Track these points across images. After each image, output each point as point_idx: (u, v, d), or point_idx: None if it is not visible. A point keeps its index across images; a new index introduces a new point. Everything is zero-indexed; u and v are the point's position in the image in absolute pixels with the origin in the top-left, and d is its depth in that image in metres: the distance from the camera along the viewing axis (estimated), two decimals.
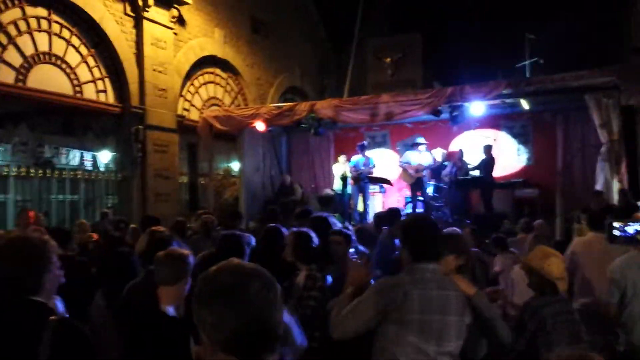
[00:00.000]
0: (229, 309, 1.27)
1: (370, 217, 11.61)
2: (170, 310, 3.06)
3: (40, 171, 10.33)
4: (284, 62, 16.78)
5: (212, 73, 14.31)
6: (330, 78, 18.58)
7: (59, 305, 3.24)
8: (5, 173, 10.00)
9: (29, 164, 10.42)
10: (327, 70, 18.81)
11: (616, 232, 1.87)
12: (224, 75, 14.71)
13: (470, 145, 11.87)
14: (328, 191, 12.70)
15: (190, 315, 3.09)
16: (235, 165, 14.37)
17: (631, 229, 1.50)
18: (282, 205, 11.06)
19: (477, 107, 9.96)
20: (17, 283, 2.05)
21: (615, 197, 8.34)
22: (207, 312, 1.30)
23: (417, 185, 11.22)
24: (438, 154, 11.77)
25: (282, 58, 16.63)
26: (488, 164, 10.59)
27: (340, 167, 12.32)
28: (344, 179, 12.08)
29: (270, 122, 11.34)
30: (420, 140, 11.47)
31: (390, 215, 6.68)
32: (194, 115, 13.34)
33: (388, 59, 17.31)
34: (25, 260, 2.08)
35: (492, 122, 12.02)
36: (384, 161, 12.69)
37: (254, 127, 11.41)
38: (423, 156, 11.27)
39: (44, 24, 10.12)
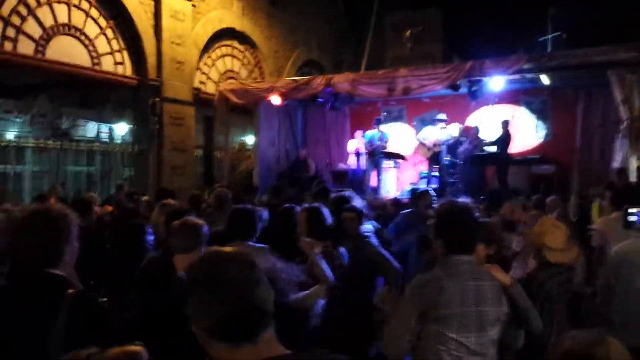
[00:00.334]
0: (213, 297, 1.31)
1: (384, 192, 11.66)
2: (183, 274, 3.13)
3: (57, 143, 10.46)
4: (302, 36, 16.64)
5: (229, 46, 14.26)
6: (348, 52, 18.38)
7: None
8: (23, 144, 10.15)
9: (47, 135, 10.56)
10: (344, 44, 18.60)
11: (632, 218, 1.83)
12: (242, 48, 14.65)
13: (488, 121, 11.73)
14: (342, 166, 12.68)
15: None
16: (250, 139, 14.39)
17: None
18: (295, 180, 11.08)
19: (496, 82, 9.81)
20: (37, 255, 2.05)
21: (635, 175, 8.20)
22: (194, 302, 1.33)
23: (433, 159, 11.18)
24: (455, 129, 11.65)
25: (299, 31, 16.50)
26: (505, 140, 10.47)
27: (356, 143, 12.28)
28: (358, 154, 12.08)
29: (286, 96, 11.29)
30: (442, 116, 11.38)
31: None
32: (210, 88, 13.34)
33: (407, 33, 17.07)
34: (46, 232, 2.08)
35: (511, 97, 11.84)
36: (400, 136, 12.60)
37: (270, 100, 11.38)
38: (441, 132, 11.19)
39: None
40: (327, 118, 13.59)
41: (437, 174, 11.29)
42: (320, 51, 17.57)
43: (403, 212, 6.49)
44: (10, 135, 10.26)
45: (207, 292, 1.32)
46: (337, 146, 13.53)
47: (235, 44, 14.44)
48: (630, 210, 1.68)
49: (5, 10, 9.26)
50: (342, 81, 10.77)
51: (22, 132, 10.39)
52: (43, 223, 2.09)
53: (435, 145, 11.06)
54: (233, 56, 14.47)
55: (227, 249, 1.44)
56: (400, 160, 12.01)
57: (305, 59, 17.00)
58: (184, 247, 3.21)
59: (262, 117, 12.34)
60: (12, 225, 2.24)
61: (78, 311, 1.94)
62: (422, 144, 11.32)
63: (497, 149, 10.53)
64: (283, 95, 11.23)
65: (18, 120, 10.50)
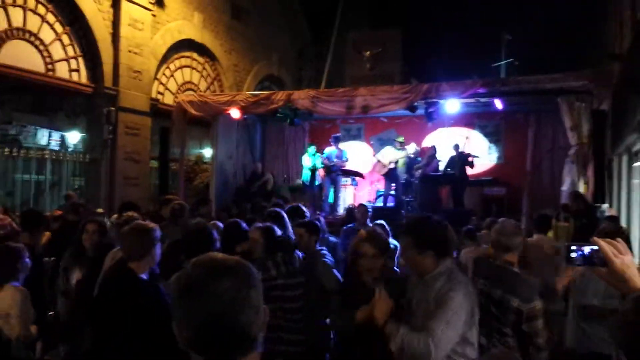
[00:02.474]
0: (196, 305, 1.23)
1: (341, 209, 11.73)
2: (144, 276, 3.17)
3: (6, 149, 10.08)
4: (263, 50, 16.67)
5: (188, 57, 14.14)
6: (309, 69, 18.53)
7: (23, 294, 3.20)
8: None
9: None
10: (305, 60, 18.75)
11: (573, 254, 1.93)
12: (201, 60, 14.54)
13: (443, 142, 11.99)
14: (299, 181, 12.70)
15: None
16: (207, 152, 14.24)
17: (587, 249, 1.56)
18: (252, 195, 11.03)
19: (452, 105, 10.06)
20: None
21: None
22: (177, 306, 1.26)
23: (390, 176, 11.35)
24: (411, 148, 11.86)
25: (260, 46, 16.51)
26: (462, 161, 10.71)
27: (309, 158, 12.34)
28: (312, 170, 12.13)
29: (246, 110, 11.26)
30: (400, 138, 11.62)
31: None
32: (168, 99, 13.17)
33: (367, 53, 17.32)
34: None
35: (466, 120, 12.17)
36: (358, 154, 12.74)
37: (229, 114, 11.32)
38: (399, 152, 11.41)
39: None
40: (286, 133, 13.63)
41: (393, 192, 11.44)
42: (281, 66, 17.63)
43: (344, 228, 6.71)
44: None
45: (191, 299, 1.24)
46: (295, 162, 13.56)
47: (195, 55, 14.33)
48: (572, 247, 1.78)
49: None
50: (302, 97, 10.82)
51: None
52: None
53: (391, 162, 11.29)
54: (192, 68, 14.34)
55: (228, 257, 1.34)
56: (358, 178, 12.11)
57: (266, 73, 17.03)
58: (137, 254, 3.15)
59: (221, 131, 12.25)
60: None
61: None
62: (379, 161, 11.51)
63: (455, 169, 10.76)
64: (243, 109, 11.20)
65: None
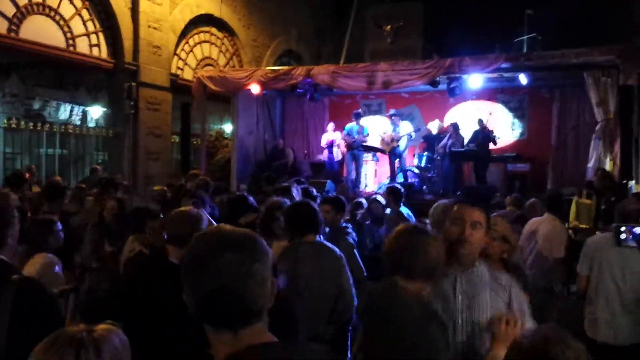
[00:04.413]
0: (199, 278, 1.25)
1: (363, 185, 11.72)
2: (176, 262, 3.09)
3: (30, 124, 10.18)
4: (282, 25, 16.51)
5: (207, 32, 14.07)
6: (328, 44, 18.33)
7: (57, 269, 3.22)
8: None
9: (19, 115, 10.27)
10: (324, 35, 18.54)
11: (623, 236, 1.89)
12: (220, 35, 14.46)
13: (466, 118, 11.84)
14: (320, 157, 12.68)
15: None
16: (227, 127, 14.25)
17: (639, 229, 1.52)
18: (274, 170, 11.03)
19: (475, 80, 9.95)
20: None
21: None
22: (184, 279, 1.28)
23: (392, 155, 11.30)
24: (434, 125, 11.74)
25: (279, 21, 16.36)
26: (485, 137, 10.58)
27: (329, 135, 12.30)
28: (330, 147, 12.11)
29: (265, 85, 11.20)
30: (392, 111, 11.54)
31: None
32: (187, 74, 13.15)
33: (388, 27, 17.08)
34: None
35: (489, 95, 11.99)
36: (378, 130, 12.64)
37: (249, 89, 11.28)
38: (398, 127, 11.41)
39: None
40: (306, 109, 13.56)
41: (413, 168, 11.42)
42: (300, 41, 17.47)
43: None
44: None
45: (192, 272, 1.26)
46: (315, 137, 13.50)
47: (214, 30, 14.25)
48: (622, 229, 1.74)
49: None
50: (322, 73, 10.74)
51: None
52: None
53: (393, 140, 11.22)
54: (211, 43, 14.27)
55: (235, 229, 1.35)
56: (378, 154, 12.05)
57: (285, 48, 16.89)
58: (177, 237, 3.11)
59: (241, 106, 12.22)
60: None
61: (23, 297, 1.84)
62: (382, 140, 11.44)
63: (477, 145, 10.64)
64: (262, 85, 11.14)
65: None
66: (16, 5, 9.52)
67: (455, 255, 2.37)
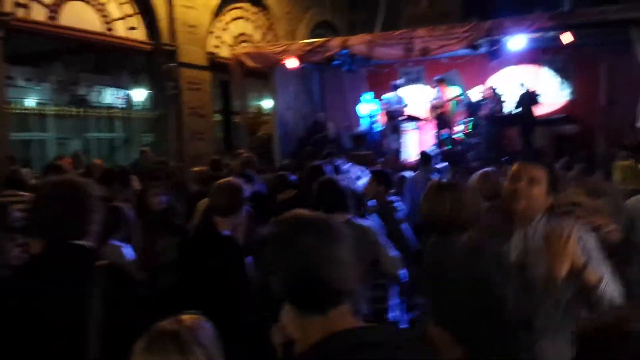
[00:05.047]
0: (281, 260, 1.29)
1: (404, 155, 11.62)
2: (226, 232, 3.22)
3: (78, 110, 10.44)
4: None
5: (241, 8, 14.00)
6: (361, 12, 17.99)
7: (127, 252, 3.34)
8: (44, 111, 10.14)
9: (65, 102, 10.54)
10: (358, 3, 18.20)
11: None
12: (253, 10, 14.38)
13: (509, 81, 11.54)
14: (360, 129, 12.61)
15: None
16: (267, 103, 14.29)
17: None
18: (314, 144, 11.05)
19: (516, 42, 9.70)
20: (62, 227, 1.96)
21: None
22: (267, 260, 1.32)
23: (441, 120, 11.12)
24: (476, 91, 11.50)
25: None
26: (530, 99, 10.30)
27: (367, 105, 12.19)
28: (370, 117, 12.00)
29: (302, 59, 11.16)
30: (438, 76, 11.36)
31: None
32: (224, 52, 13.16)
33: None
34: (69, 203, 1.98)
35: (532, 56, 11.59)
36: (418, 98, 12.46)
37: (286, 64, 11.25)
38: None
39: None
40: (344, 80, 13.42)
41: (448, 135, 11.29)
42: (334, 11, 17.21)
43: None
44: (31, 102, 10.27)
45: (276, 255, 1.30)
46: (355, 109, 13.41)
47: (247, 6, 14.16)
48: None
49: None
50: (358, 43, 10.64)
51: (41, 100, 10.36)
52: (66, 194, 2.00)
53: (438, 106, 11.07)
54: (246, 19, 14.22)
55: (313, 213, 1.38)
56: (419, 123, 11.90)
57: (319, 20, 16.66)
58: (224, 209, 3.22)
59: (279, 81, 12.21)
60: (36, 197, 2.13)
61: (111, 282, 1.89)
62: (430, 106, 11.31)
63: (522, 109, 10.38)
64: (299, 58, 11.10)
65: (37, 88, 10.45)
66: None
67: (511, 212, 2.35)
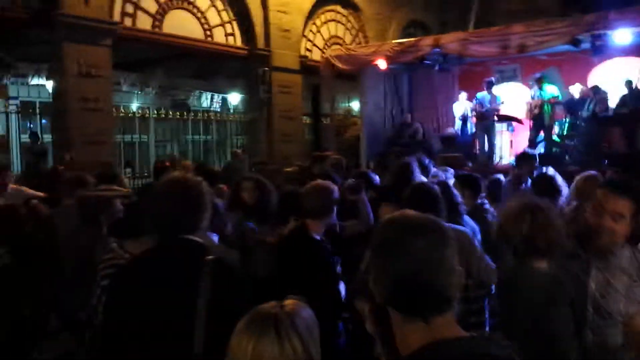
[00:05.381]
0: (389, 264, 1.24)
1: (497, 158, 11.18)
2: (317, 236, 3.26)
3: (177, 113, 11.03)
4: None
5: (333, 11, 14.17)
6: (453, 10, 17.60)
7: (215, 240, 3.49)
8: (147, 115, 10.80)
9: (166, 106, 11.17)
10: (449, 1, 17.81)
11: None
12: (345, 12, 14.51)
13: (612, 77, 10.82)
14: (450, 130, 12.32)
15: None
16: (355, 105, 14.35)
17: None
18: (402, 146, 10.93)
19: (622, 35, 9.05)
20: (175, 222, 2.07)
21: None
22: (372, 262, 1.30)
23: (537, 121, 10.61)
24: (576, 89, 10.88)
25: None
26: (635, 97, 9.62)
27: (461, 106, 11.88)
28: (464, 118, 11.68)
29: (392, 59, 11.08)
30: (538, 74, 10.79)
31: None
32: (315, 55, 13.38)
33: None
34: (183, 200, 2.09)
35: (638, 51, 10.81)
36: (514, 97, 11.97)
37: (376, 65, 11.22)
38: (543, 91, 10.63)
39: None
40: (435, 80, 13.16)
41: (554, 136, 10.72)
42: (425, 10, 16.96)
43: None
44: (134, 106, 11.04)
45: (383, 257, 1.26)
46: (445, 110, 13.12)
47: (339, 8, 14.32)
48: None
49: None
50: (451, 41, 10.41)
51: (144, 104, 11.06)
52: (179, 191, 2.11)
53: (536, 106, 10.52)
54: (337, 21, 14.37)
55: (423, 216, 1.33)
56: (514, 124, 11.43)
57: (409, 19, 16.49)
58: (316, 211, 3.26)
59: (368, 83, 12.22)
60: (153, 194, 2.27)
61: (219, 276, 1.96)
62: (528, 106, 10.79)
63: (627, 108, 9.71)
64: (389, 59, 11.04)
65: (140, 93, 11.17)
66: (158, 2, 10.27)
67: (592, 241, 2.27)
